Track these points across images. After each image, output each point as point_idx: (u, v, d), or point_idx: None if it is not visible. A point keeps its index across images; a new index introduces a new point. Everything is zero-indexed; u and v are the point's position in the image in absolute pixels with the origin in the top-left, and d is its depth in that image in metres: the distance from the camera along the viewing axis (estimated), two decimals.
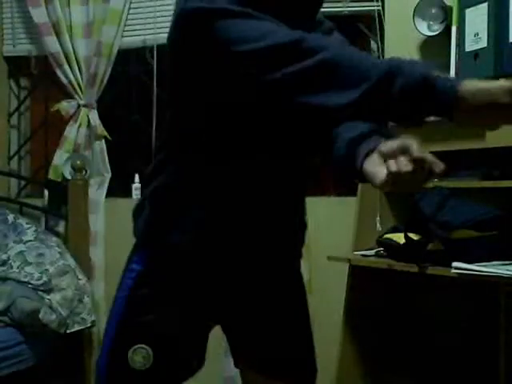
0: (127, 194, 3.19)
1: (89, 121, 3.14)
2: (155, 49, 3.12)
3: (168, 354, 1.35)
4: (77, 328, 2.76)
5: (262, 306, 1.44)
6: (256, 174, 1.26)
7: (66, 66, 3.12)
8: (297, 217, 1.41)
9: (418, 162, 1.01)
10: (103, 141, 3.17)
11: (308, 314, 1.54)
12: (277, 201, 1.31)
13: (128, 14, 3.16)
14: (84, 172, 3.11)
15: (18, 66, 3.43)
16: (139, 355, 1.33)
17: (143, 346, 1.33)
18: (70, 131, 3.15)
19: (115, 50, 3.12)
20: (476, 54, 2.28)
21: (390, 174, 1.03)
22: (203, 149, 1.26)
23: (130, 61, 3.36)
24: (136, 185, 3.15)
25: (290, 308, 1.49)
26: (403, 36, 2.73)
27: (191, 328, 1.39)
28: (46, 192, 3.17)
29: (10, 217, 2.98)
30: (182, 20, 1.18)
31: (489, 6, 2.23)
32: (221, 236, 1.31)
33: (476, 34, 2.28)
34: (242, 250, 1.34)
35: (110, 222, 3.15)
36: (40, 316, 2.58)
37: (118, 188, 3.27)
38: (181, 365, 1.40)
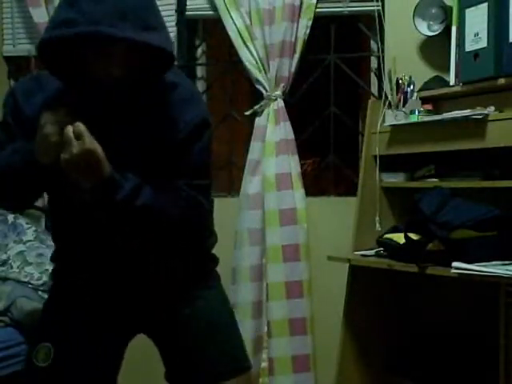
0: None
1: None
2: None
3: (67, 352, 1.57)
4: None
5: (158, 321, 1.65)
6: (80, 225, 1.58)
7: None
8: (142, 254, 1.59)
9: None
10: None
11: (222, 321, 1.71)
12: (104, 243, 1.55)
13: None
14: None
15: (18, 66, 3.43)
16: (42, 352, 1.56)
17: (46, 344, 1.57)
18: None
19: None
20: (476, 54, 2.28)
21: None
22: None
23: None
24: None
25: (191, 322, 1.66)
26: (403, 36, 2.73)
27: (92, 335, 1.60)
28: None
29: (10, 217, 2.97)
30: None
31: (489, 6, 2.22)
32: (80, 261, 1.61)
33: (476, 34, 2.27)
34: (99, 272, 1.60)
35: None
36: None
37: None
38: (80, 366, 1.58)
